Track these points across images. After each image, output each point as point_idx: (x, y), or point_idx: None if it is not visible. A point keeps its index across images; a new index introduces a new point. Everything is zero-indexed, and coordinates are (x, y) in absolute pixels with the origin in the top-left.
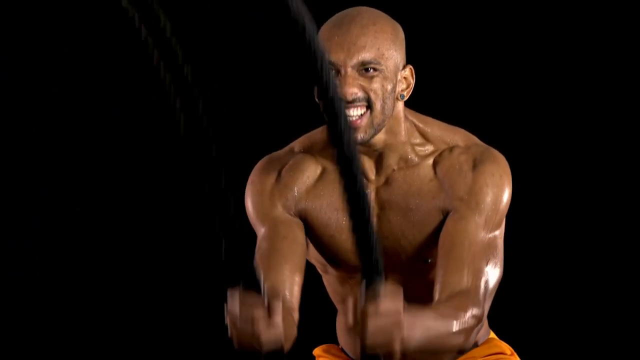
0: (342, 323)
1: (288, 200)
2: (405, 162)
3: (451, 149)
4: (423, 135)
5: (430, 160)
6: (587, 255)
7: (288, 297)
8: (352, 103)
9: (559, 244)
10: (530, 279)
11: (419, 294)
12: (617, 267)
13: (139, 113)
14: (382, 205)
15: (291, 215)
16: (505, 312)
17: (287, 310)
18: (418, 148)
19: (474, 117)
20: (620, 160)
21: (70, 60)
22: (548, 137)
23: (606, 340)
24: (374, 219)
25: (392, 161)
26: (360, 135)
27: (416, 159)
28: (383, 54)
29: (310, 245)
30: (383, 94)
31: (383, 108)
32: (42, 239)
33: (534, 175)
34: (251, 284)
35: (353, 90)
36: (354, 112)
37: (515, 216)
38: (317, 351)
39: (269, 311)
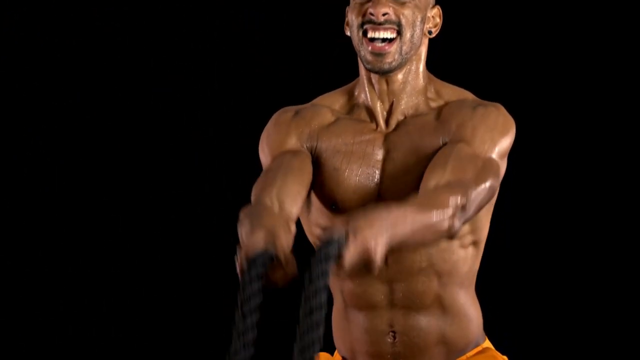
0: (338, 312)
1: (303, 134)
2: (414, 110)
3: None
4: (437, 91)
5: (437, 110)
6: (586, 263)
7: (288, 207)
8: (382, 25)
9: (558, 249)
10: (528, 288)
11: (419, 259)
12: (616, 275)
13: (139, 113)
14: (388, 149)
15: (304, 148)
16: (499, 319)
17: (285, 221)
18: (430, 102)
19: None
20: (620, 161)
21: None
22: (548, 138)
23: (605, 349)
24: (380, 166)
25: (404, 108)
26: (387, 61)
27: (425, 110)
28: None
29: (312, 207)
30: (414, 21)
31: (412, 36)
32: (43, 239)
33: (532, 179)
34: None
35: (385, 10)
36: (384, 35)
37: (514, 219)
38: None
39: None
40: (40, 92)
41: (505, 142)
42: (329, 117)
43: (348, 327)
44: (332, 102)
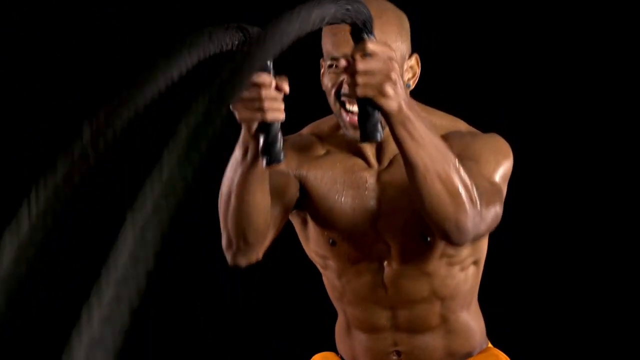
0: (341, 325)
1: (290, 163)
2: None
3: (452, 132)
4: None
5: None
6: (586, 262)
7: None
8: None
9: (557, 247)
10: (528, 287)
11: (420, 288)
12: (616, 274)
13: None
14: (383, 187)
15: (291, 174)
16: (502, 321)
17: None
18: None
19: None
20: (619, 162)
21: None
22: (547, 139)
23: (605, 347)
24: (375, 202)
25: (394, 146)
26: None
27: None
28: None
29: (310, 233)
30: None
31: None
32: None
33: (532, 179)
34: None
35: None
36: None
37: (514, 220)
38: (316, 358)
39: (276, 82)
40: (40, 93)
41: (508, 166)
42: (318, 149)
43: (351, 343)
44: (320, 132)
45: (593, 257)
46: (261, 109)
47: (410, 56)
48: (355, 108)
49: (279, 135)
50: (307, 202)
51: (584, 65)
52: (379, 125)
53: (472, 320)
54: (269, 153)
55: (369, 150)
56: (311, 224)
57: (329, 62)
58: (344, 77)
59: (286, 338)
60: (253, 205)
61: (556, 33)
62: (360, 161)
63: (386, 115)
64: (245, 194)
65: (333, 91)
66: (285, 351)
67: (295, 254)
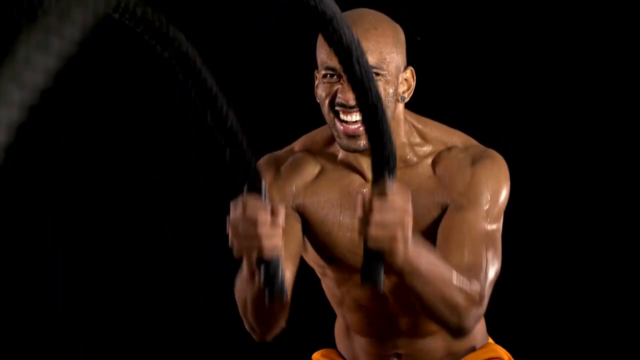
0: (341, 327)
1: (286, 195)
2: (404, 162)
3: (449, 149)
4: (422, 136)
5: (429, 160)
6: (585, 259)
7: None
8: (353, 108)
9: (557, 247)
10: (528, 285)
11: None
12: (616, 272)
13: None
14: None
15: (289, 209)
16: (503, 318)
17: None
18: (417, 148)
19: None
20: (619, 164)
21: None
22: (547, 141)
23: (605, 345)
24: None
25: None
26: (362, 143)
27: (415, 159)
28: (385, 58)
29: (309, 247)
30: (385, 97)
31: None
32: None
33: (532, 180)
34: (254, 188)
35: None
36: (356, 118)
37: (513, 219)
38: (316, 355)
39: (272, 213)
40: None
41: (505, 195)
42: (312, 169)
43: (351, 345)
44: (313, 146)
45: (593, 256)
46: (258, 247)
47: (405, 68)
48: (349, 117)
49: (280, 267)
50: (305, 226)
51: (581, 69)
52: (382, 274)
53: None
54: (271, 286)
55: (365, 163)
56: (310, 248)
57: (323, 72)
58: (338, 87)
59: (286, 338)
60: (270, 311)
61: (554, 37)
62: (356, 177)
63: (390, 263)
64: (261, 306)
65: (327, 101)
66: (285, 351)
67: None
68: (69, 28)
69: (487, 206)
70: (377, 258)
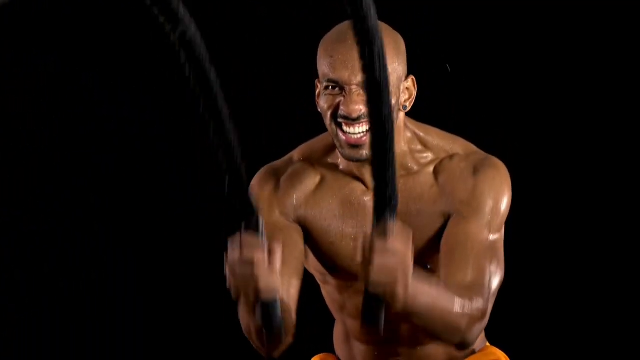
0: (340, 333)
1: (287, 207)
2: (405, 170)
3: (451, 156)
4: (423, 143)
5: (431, 168)
6: (584, 263)
7: (285, 299)
8: (356, 120)
9: (556, 250)
10: (527, 288)
11: None
12: (615, 274)
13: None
14: None
15: (290, 222)
16: (501, 320)
17: (285, 312)
18: (418, 156)
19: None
20: (619, 166)
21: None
22: (546, 143)
23: (604, 347)
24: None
25: None
26: (365, 152)
27: (416, 167)
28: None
29: (310, 255)
30: None
31: None
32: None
33: (532, 182)
34: (251, 226)
35: (359, 107)
36: (359, 129)
37: (514, 221)
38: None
39: (269, 254)
40: (39, 92)
41: (507, 206)
42: (312, 180)
43: (351, 351)
44: (312, 155)
45: (592, 257)
46: (255, 289)
47: (406, 78)
48: (352, 130)
49: (277, 308)
50: (307, 237)
51: (580, 72)
52: (383, 316)
53: None
54: (269, 327)
55: (366, 171)
56: (312, 257)
57: (325, 84)
58: (340, 99)
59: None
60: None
61: (556, 44)
62: (357, 185)
63: (390, 305)
64: (263, 334)
65: (329, 113)
66: (283, 356)
67: None
68: None
69: (490, 216)
70: (377, 301)
